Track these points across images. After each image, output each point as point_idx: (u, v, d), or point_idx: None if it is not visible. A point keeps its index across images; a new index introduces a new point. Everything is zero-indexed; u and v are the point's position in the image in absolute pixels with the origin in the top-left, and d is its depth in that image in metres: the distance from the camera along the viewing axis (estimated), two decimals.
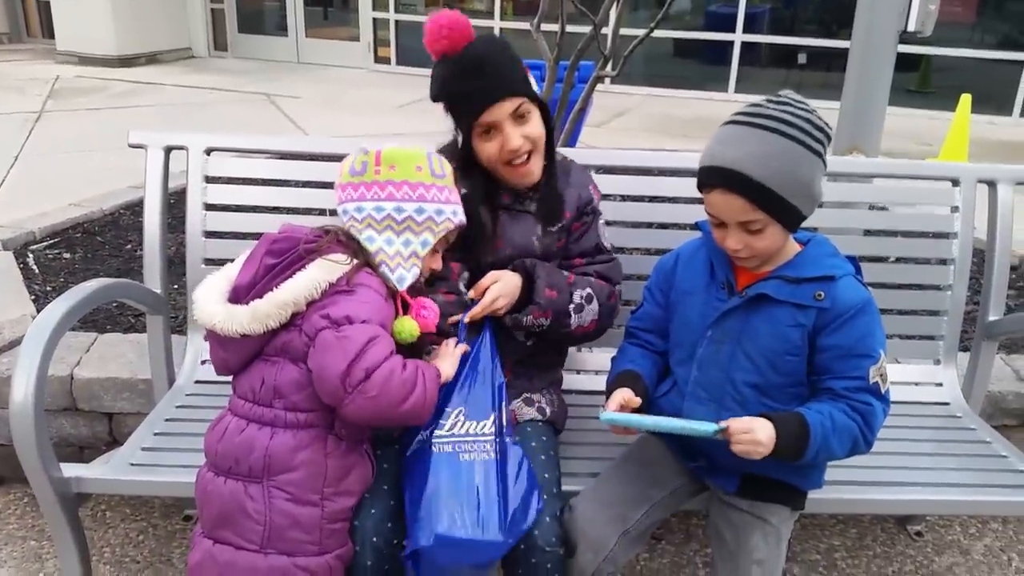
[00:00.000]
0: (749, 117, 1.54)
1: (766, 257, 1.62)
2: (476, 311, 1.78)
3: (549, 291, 1.83)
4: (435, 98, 1.83)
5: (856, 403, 1.57)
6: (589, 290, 1.89)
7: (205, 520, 1.61)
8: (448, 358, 1.71)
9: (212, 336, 1.60)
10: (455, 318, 1.80)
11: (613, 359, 1.86)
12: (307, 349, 1.53)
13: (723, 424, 1.52)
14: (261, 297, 1.53)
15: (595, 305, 1.90)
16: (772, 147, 1.50)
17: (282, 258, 1.58)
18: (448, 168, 1.70)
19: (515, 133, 1.78)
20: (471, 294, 1.82)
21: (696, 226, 1.78)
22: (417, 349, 1.68)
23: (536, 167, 1.85)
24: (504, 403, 1.72)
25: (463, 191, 1.81)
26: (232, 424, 1.59)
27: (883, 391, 1.59)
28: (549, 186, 1.91)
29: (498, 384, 1.74)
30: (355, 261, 1.58)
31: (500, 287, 1.81)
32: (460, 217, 1.70)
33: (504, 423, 1.70)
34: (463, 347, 1.74)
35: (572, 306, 1.86)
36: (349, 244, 1.62)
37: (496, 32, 10.18)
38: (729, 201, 1.53)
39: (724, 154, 1.52)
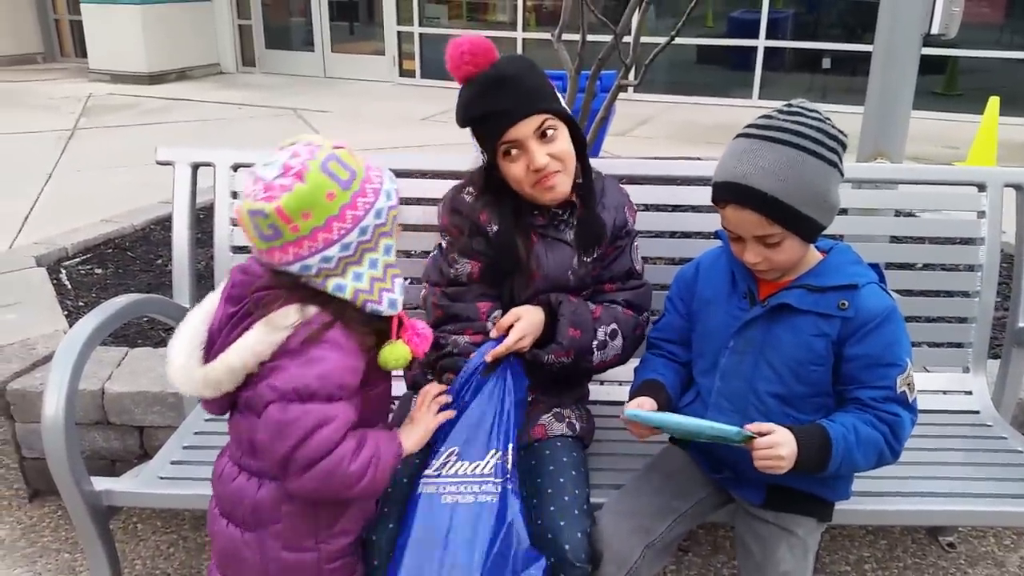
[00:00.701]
0: (760, 130, 1.53)
1: (786, 269, 1.61)
2: (500, 351, 1.74)
3: (572, 331, 1.80)
4: (461, 123, 1.79)
5: (883, 413, 1.56)
6: (615, 325, 1.86)
7: (215, 553, 1.61)
8: (418, 430, 1.63)
9: None
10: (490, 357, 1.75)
11: (636, 369, 1.86)
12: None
13: (748, 430, 1.50)
14: (225, 349, 1.43)
15: (619, 340, 1.87)
16: (786, 160, 1.48)
17: (238, 307, 1.46)
18: (352, 161, 1.45)
19: (540, 151, 1.73)
20: (493, 332, 1.79)
21: (716, 235, 1.77)
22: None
23: (563, 184, 1.79)
24: (511, 445, 1.68)
25: (494, 226, 1.81)
26: (227, 469, 1.56)
27: (910, 400, 1.58)
28: (588, 208, 1.86)
29: (507, 424, 1.69)
30: (312, 313, 1.42)
31: (524, 325, 1.78)
32: (394, 190, 1.51)
33: (509, 466, 1.66)
34: (443, 416, 1.68)
35: (595, 343, 1.83)
36: (309, 294, 1.44)
37: (519, 42, 10.23)
38: (744, 216, 1.52)
39: (736, 169, 1.51)
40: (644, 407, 1.65)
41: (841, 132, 1.55)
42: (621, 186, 2.00)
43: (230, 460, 1.56)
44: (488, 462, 1.65)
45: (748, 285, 1.67)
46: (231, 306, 1.47)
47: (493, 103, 1.71)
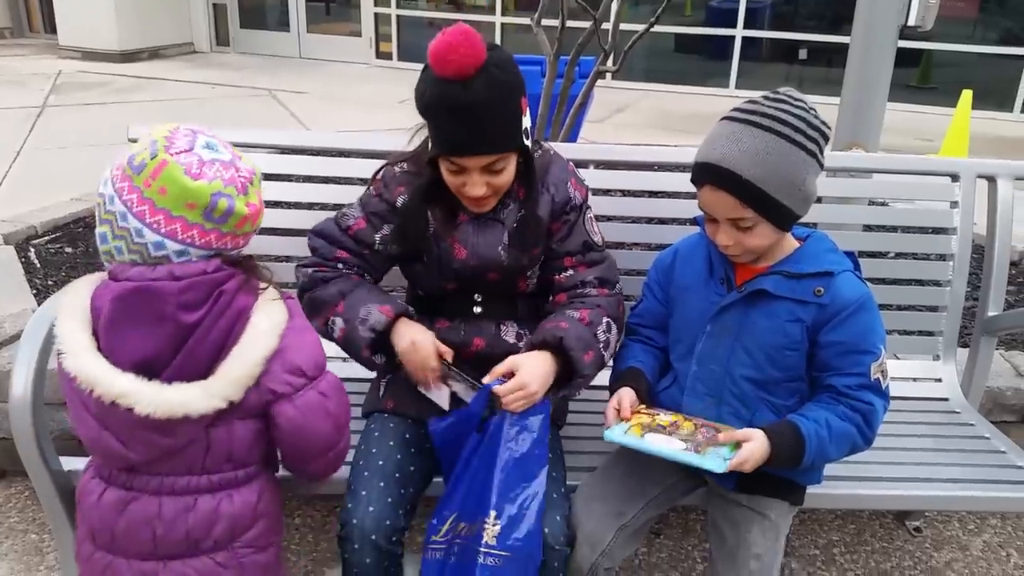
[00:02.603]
0: (745, 114, 1.54)
1: (758, 254, 1.62)
2: (515, 408, 1.64)
3: (587, 355, 1.71)
4: (421, 113, 1.68)
5: (856, 402, 1.58)
6: (606, 319, 1.79)
7: None
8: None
9: (91, 411, 1.39)
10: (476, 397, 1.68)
11: (614, 356, 1.86)
12: (265, 404, 1.43)
13: (729, 463, 1.51)
14: (211, 365, 1.38)
15: (614, 330, 1.81)
16: (765, 146, 1.49)
17: (202, 312, 1.38)
18: (220, 145, 1.44)
19: (480, 181, 1.68)
20: (487, 377, 1.67)
21: (695, 221, 1.78)
22: None
23: (492, 203, 1.76)
24: (510, 502, 1.59)
25: (406, 198, 1.78)
26: (167, 505, 1.44)
27: (884, 387, 1.60)
28: (527, 211, 1.79)
29: (499, 478, 1.60)
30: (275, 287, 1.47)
31: (528, 375, 1.65)
32: (250, 163, 1.47)
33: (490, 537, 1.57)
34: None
35: (603, 347, 1.76)
36: (249, 265, 1.48)
37: (497, 27, 10.18)
38: (719, 198, 1.54)
39: (716, 151, 1.52)
40: (624, 400, 1.67)
41: (824, 124, 1.56)
42: (569, 162, 1.92)
43: (170, 495, 1.45)
44: (489, 519, 1.58)
45: (725, 271, 1.68)
46: (190, 314, 1.36)
47: (456, 128, 1.62)
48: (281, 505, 1.60)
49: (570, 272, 1.85)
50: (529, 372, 1.66)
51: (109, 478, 1.48)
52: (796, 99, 1.55)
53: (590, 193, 1.92)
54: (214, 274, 1.39)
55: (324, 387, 1.46)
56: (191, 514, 1.45)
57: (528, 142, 1.72)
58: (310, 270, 1.83)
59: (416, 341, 1.72)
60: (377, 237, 1.82)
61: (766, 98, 1.56)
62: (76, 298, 1.43)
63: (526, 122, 1.70)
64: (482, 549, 1.55)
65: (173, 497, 1.44)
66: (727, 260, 1.68)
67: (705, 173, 1.55)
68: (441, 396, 1.77)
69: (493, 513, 1.57)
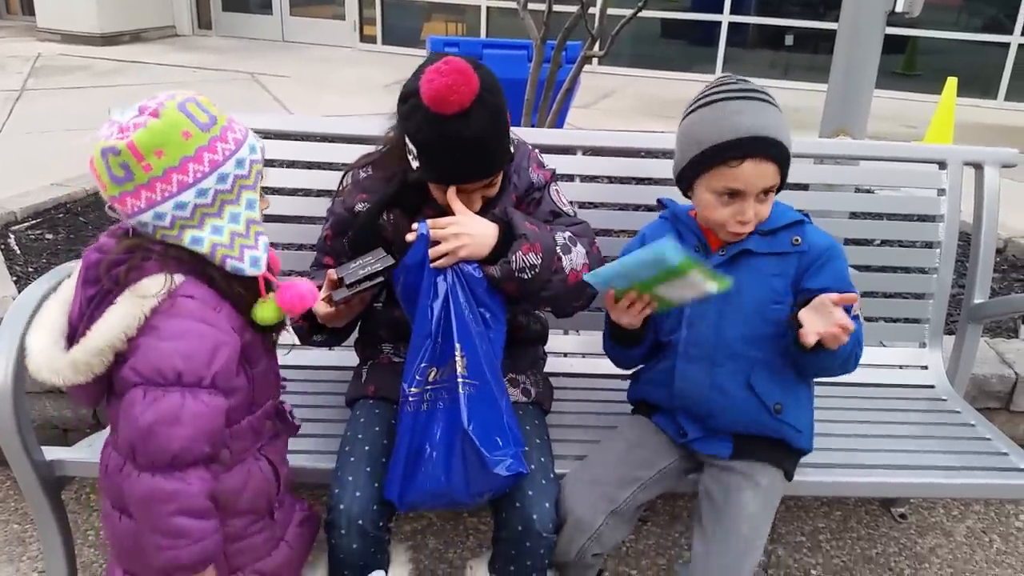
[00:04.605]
0: (736, 93, 1.62)
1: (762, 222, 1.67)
2: (439, 252, 1.63)
3: (531, 224, 1.68)
4: (417, 148, 1.63)
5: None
6: (569, 233, 1.73)
7: (116, 552, 1.54)
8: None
9: None
10: (411, 235, 1.65)
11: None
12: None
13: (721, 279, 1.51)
14: (86, 335, 1.34)
15: (581, 248, 1.72)
16: (775, 115, 1.60)
17: (97, 288, 1.36)
18: (208, 104, 1.39)
19: (476, 199, 1.71)
20: (410, 236, 1.65)
21: (659, 203, 1.85)
22: (275, 335, 1.55)
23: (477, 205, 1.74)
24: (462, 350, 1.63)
25: (365, 206, 1.76)
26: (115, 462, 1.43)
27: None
28: (492, 205, 1.76)
29: (456, 324, 1.63)
30: (180, 281, 1.36)
31: (462, 218, 1.65)
32: (259, 146, 1.46)
33: (461, 368, 1.62)
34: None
35: (559, 246, 1.68)
36: (169, 254, 1.36)
37: (483, 11, 10.10)
38: (762, 168, 1.59)
39: (754, 123, 1.58)
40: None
41: None
42: (532, 148, 1.90)
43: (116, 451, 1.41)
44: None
45: (698, 237, 1.73)
46: (89, 288, 1.36)
47: (457, 161, 1.62)
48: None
49: None
50: (465, 217, 1.66)
51: None
52: (741, 79, 1.67)
53: (555, 176, 1.89)
54: (110, 256, 1.35)
55: (153, 396, 1.30)
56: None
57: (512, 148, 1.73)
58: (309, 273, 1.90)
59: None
60: (345, 242, 1.82)
61: (726, 81, 1.66)
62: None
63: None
64: (459, 380, 1.61)
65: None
66: (698, 227, 1.74)
67: (752, 146, 1.57)
68: (362, 268, 1.64)
69: (459, 346, 1.62)
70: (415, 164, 1.66)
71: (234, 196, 1.38)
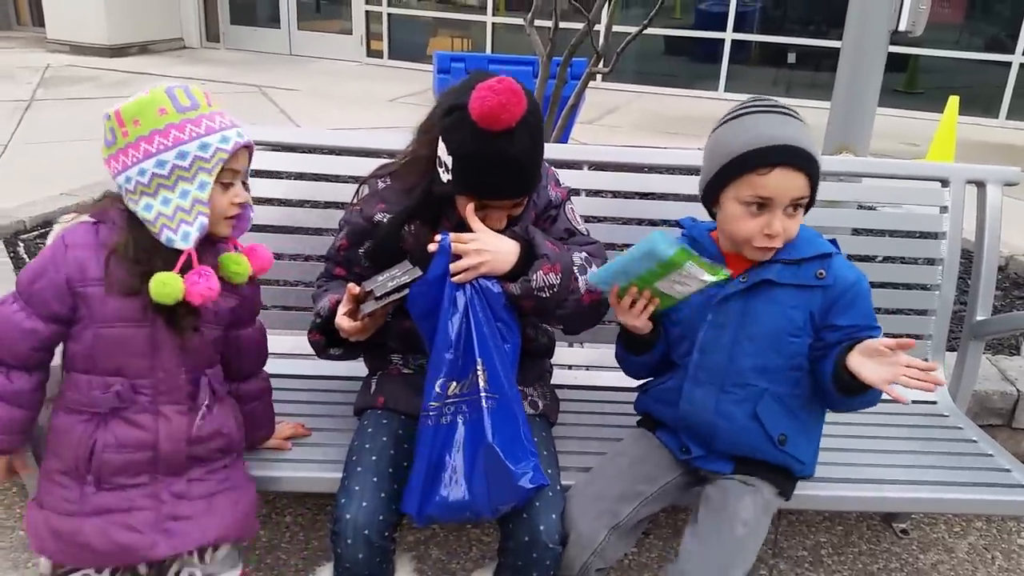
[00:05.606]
0: (767, 108, 1.61)
1: (789, 240, 1.64)
2: (460, 267, 1.65)
3: (551, 244, 1.72)
4: (458, 161, 1.63)
5: None
6: (585, 253, 1.78)
7: None
8: None
9: None
10: (433, 246, 1.66)
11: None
12: None
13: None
14: None
15: (594, 266, 1.76)
16: (808, 132, 1.59)
17: None
18: (198, 95, 1.55)
19: (503, 216, 1.73)
20: (455, 248, 1.67)
21: (678, 224, 1.82)
22: (180, 317, 1.55)
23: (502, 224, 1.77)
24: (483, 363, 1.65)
25: (386, 215, 1.77)
26: None
27: None
28: (514, 224, 1.78)
29: (477, 337, 1.65)
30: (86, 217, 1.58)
31: (483, 234, 1.68)
32: (235, 140, 1.54)
33: (483, 383, 1.64)
34: None
35: (576, 267, 1.72)
36: (122, 217, 1.54)
37: (488, 27, 10.16)
38: (790, 179, 1.57)
39: (784, 133, 1.57)
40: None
41: None
42: (549, 167, 1.93)
43: None
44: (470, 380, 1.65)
45: (720, 260, 1.69)
46: None
47: (497, 177, 1.64)
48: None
49: None
50: (486, 234, 1.69)
51: None
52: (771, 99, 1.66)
53: (570, 194, 1.93)
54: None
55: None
56: None
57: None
58: (316, 285, 1.93)
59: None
60: (360, 252, 1.84)
61: (759, 99, 1.64)
62: None
63: None
64: (482, 394, 1.62)
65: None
66: (717, 250, 1.71)
67: (782, 154, 1.56)
68: (391, 280, 1.66)
69: (480, 360, 1.63)
70: (445, 177, 1.67)
71: (190, 175, 1.51)
